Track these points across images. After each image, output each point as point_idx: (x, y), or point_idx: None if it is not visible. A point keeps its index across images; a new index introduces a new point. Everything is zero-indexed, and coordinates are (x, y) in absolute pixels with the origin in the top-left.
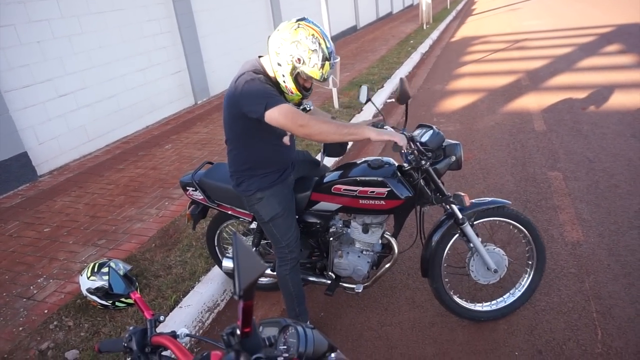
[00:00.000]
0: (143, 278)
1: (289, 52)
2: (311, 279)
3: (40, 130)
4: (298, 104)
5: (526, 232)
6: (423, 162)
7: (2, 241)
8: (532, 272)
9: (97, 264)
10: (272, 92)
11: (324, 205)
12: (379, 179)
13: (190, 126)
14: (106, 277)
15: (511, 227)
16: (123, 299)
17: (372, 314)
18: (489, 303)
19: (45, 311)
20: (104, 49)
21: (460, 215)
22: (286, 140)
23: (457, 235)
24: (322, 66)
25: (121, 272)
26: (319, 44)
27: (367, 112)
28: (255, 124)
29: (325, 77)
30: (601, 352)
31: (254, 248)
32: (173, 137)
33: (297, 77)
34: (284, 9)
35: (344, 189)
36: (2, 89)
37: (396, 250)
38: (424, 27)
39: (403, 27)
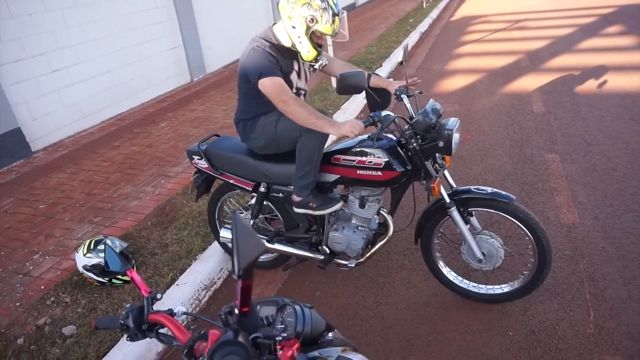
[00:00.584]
0: (139, 256)
1: (302, 13)
2: (305, 253)
3: (34, 105)
4: (315, 61)
5: (527, 232)
6: (413, 141)
7: None
8: (531, 274)
9: (93, 241)
10: (270, 63)
11: (323, 176)
12: (377, 149)
13: (186, 104)
14: (102, 255)
15: (512, 222)
16: (119, 276)
17: (368, 293)
18: (482, 285)
19: (42, 287)
20: (98, 23)
21: (447, 200)
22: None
23: (447, 217)
24: (333, 21)
25: (117, 250)
26: (327, 2)
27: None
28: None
29: (337, 31)
30: (593, 332)
31: (252, 220)
32: (169, 115)
33: (311, 36)
34: None
35: (342, 159)
36: None
37: (391, 228)
38: (424, 6)
39: (402, 5)
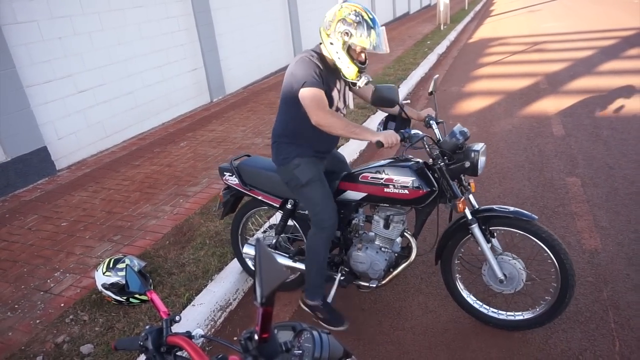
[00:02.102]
0: (157, 275)
1: (337, 29)
2: (328, 273)
3: (60, 125)
4: (358, 79)
5: (549, 253)
6: (439, 162)
7: (22, 234)
8: (553, 299)
9: (112, 260)
10: (315, 75)
11: (350, 194)
12: (406, 169)
13: (205, 124)
14: (121, 273)
15: (534, 243)
16: (137, 296)
17: (384, 318)
18: (502, 311)
19: (62, 305)
20: (123, 46)
21: (469, 217)
22: None
23: (469, 236)
24: (369, 35)
25: (136, 269)
26: (362, 16)
27: (381, 114)
28: None
29: (375, 44)
30: None
31: (275, 238)
32: (188, 135)
33: (349, 51)
34: (301, 9)
35: (371, 177)
36: (24, 84)
37: (415, 251)
38: (442, 28)
39: (420, 27)
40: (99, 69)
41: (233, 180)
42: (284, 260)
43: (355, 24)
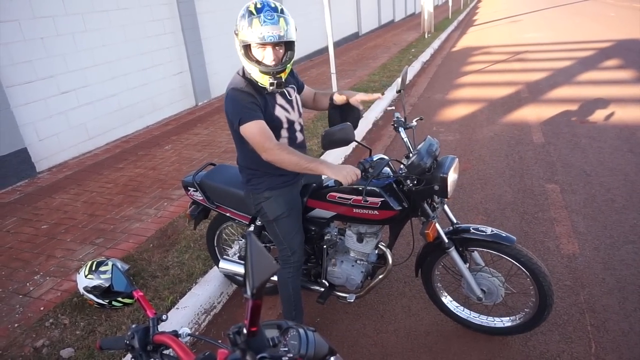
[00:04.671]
0: (140, 278)
1: (235, 31)
2: (305, 285)
3: (41, 126)
4: (277, 86)
5: (529, 275)
6: (408, 182)
7: (0, 237)
8: (532, 312)
9: (95, 263)
10: (247, 106)
11: (319, 212)
12: (373, 189)
13: (190, 127)
14: (104, 276)
15: (511, 264)
16: (120, 299)
17: (368, 321)
18: (483, 317)
19: (41, 308)
20: (107, 48)
21: (445, 240)
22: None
23: (445, 255)
24: (250, 24)
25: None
26: (247, 7)
27: (360, 126)
28: None
29: (264, 37)
30: None
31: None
32: (173, 138)
33: (247, 53)
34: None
35: (338, 197)
36: (4, 84)
37: (390, 262)
38: (426, 36)
39: (405, 35)
40: (82, 71)
41: (198, 196)
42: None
43: (240, 18)
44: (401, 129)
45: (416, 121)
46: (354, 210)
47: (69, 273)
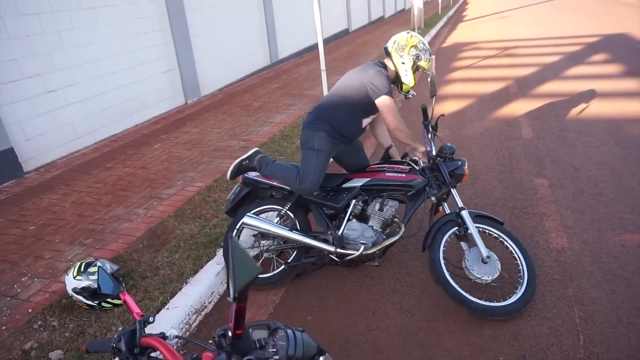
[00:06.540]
0: (130, 279)
1: (410, 52)
2: (317, 243)
3: (28, 126)
4: (407, 92)
5: (518, 251)
6: (437, 159)
7: None
8: (522, 290)
9: (83, 263)
10: (391, 87)
11: (354, 181)
12: (404, 164)
13: (180, 126)
14: (92, 277)
15: (503, 245)
16: (110, 300)
17: (359, 318)
18: (483, 301)
19: (30, 310)
20: (94, 46)
21: (460, 203)
22: (365, 121)
23: (455, 228)
24: (429, 60)
25: (108, 272)
26: (425, 45)
27: None
28: (363, 97)
29: (430, 67)
30: (583, 357)
31: (284, 209)
32: (162, 137)
33: (415, 71)
34: (277, 11)
35: (377, 167)
36: None
37: (403, 229)
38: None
39: (395, 31)
40: (69, 69)
41: (253, 174)
42: (281, 231)
43: (424, 51)
44: (430, 130)
45: (438, 120)
46: (387, 173)
47: (57, 274)
